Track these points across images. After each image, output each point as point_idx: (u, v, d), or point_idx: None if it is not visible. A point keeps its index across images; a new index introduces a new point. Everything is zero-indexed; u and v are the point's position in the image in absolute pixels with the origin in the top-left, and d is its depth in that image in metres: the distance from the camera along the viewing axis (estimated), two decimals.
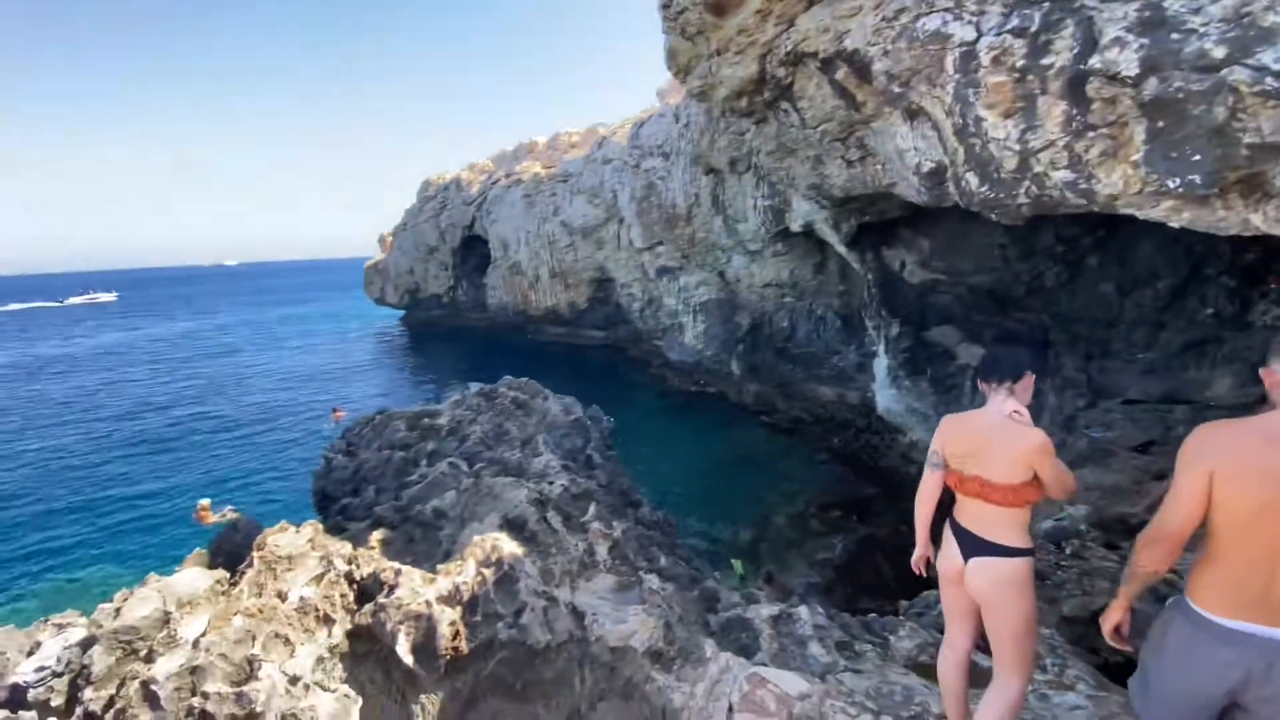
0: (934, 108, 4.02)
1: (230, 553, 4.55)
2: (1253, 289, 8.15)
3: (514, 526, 4.07)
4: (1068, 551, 5.40)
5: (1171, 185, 2.88)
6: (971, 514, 2.24)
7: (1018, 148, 3.54)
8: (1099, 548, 5.35)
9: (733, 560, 7.02)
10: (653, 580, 3.97)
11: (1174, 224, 3.11)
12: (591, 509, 4.71)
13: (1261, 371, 1.80)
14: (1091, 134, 3.21)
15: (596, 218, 18.72)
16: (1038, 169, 3.53)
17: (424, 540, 5.13)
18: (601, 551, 4.28)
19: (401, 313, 31.87)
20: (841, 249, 10.13)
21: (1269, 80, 2.27)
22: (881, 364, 10.90)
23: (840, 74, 4.79)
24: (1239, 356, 8.04)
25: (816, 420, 12.87)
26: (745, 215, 12.23)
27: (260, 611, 3.11)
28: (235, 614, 3.08)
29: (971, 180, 4.08)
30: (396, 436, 6.33)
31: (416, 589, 3.45)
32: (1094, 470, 7.41)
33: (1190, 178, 2.77)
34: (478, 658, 3.13)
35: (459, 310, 27.72)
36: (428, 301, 29.03)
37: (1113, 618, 1.95)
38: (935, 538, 2.46)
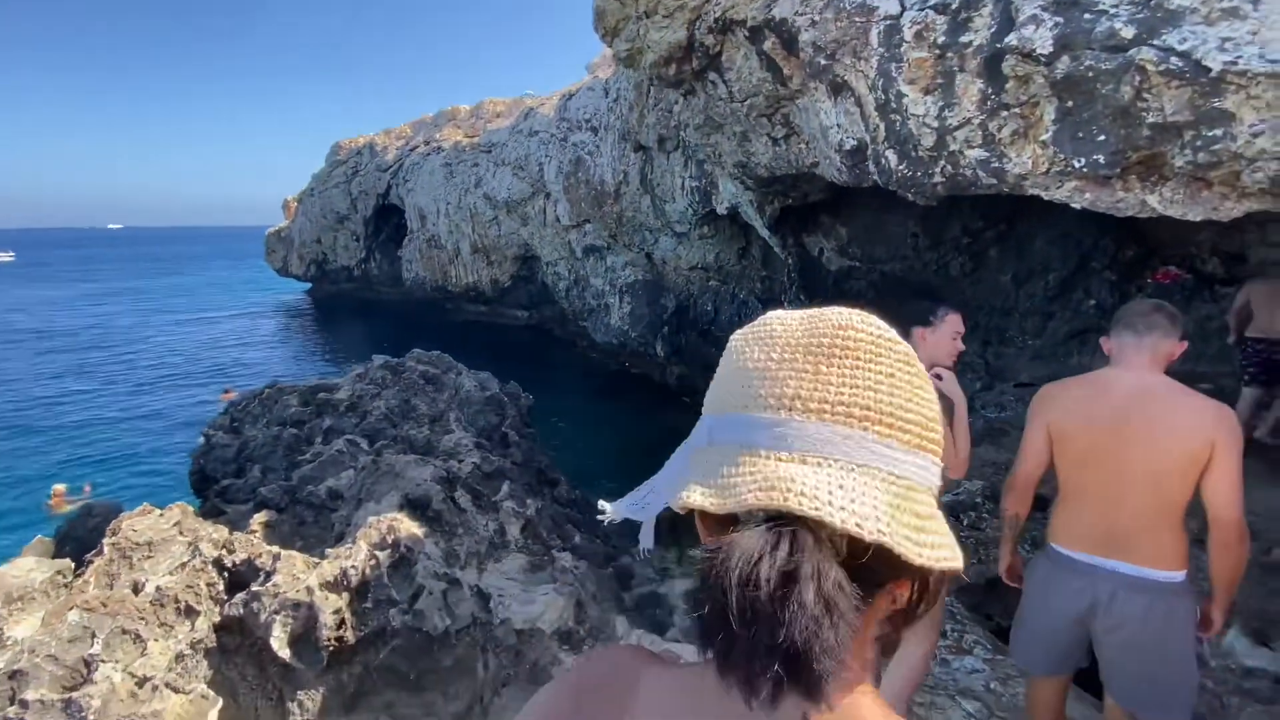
0: (858, 82, 4.00)
1: (81, 539, 3.99)
2: (1130, 284, 8.91)
3: (416, 507, 3.78)
4: (965, 523, 5.69)
5: (1077, 165, 2.96)
6: None
7: (936, 125, 3.57)
8: (994, 519, 5.68)
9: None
10: (565, 559, 3.80)
11: (1076, 204, 3.21)
12: (504, 487, 4.48)
13: (1102, 340, 2.04)
14: (1005, 113, 3.25)
15: (522, 191, 18.10)
16: (953, 147, 3.57)
17: (315, 524, 4.71)
18: (513, 531, 4.07)
19: (308, 285, 29.83)
20: (765, 233, 10.24)
21: (1174, 60, 2.33)
22: None
23: (768, 44, 4.70)
24: None
25: None
26: (673, 196, 12.13)
27: (104, 605, 2.69)
28: (72, 609, 2.64)
29: (891, 158, 4.11)
30: (288, 412, 5.80)
31: (297, 575, 3.11)
32: (988, 448, 7.87)
33: (1095, 158, 2.85)
34: (367, 647, 2.85)
35: (371, 284, 26.22)
36: (336, 273, 27.27)
37: (1004, 562, 2.17)
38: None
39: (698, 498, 0.45)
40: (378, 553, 3.29)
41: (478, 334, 20.26)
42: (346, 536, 3.77)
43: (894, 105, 3.78)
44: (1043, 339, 9.69)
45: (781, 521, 0.41)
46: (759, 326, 0.55)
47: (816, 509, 0.40)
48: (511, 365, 16.61)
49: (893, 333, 0.50)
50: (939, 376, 2.17)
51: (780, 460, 0.44)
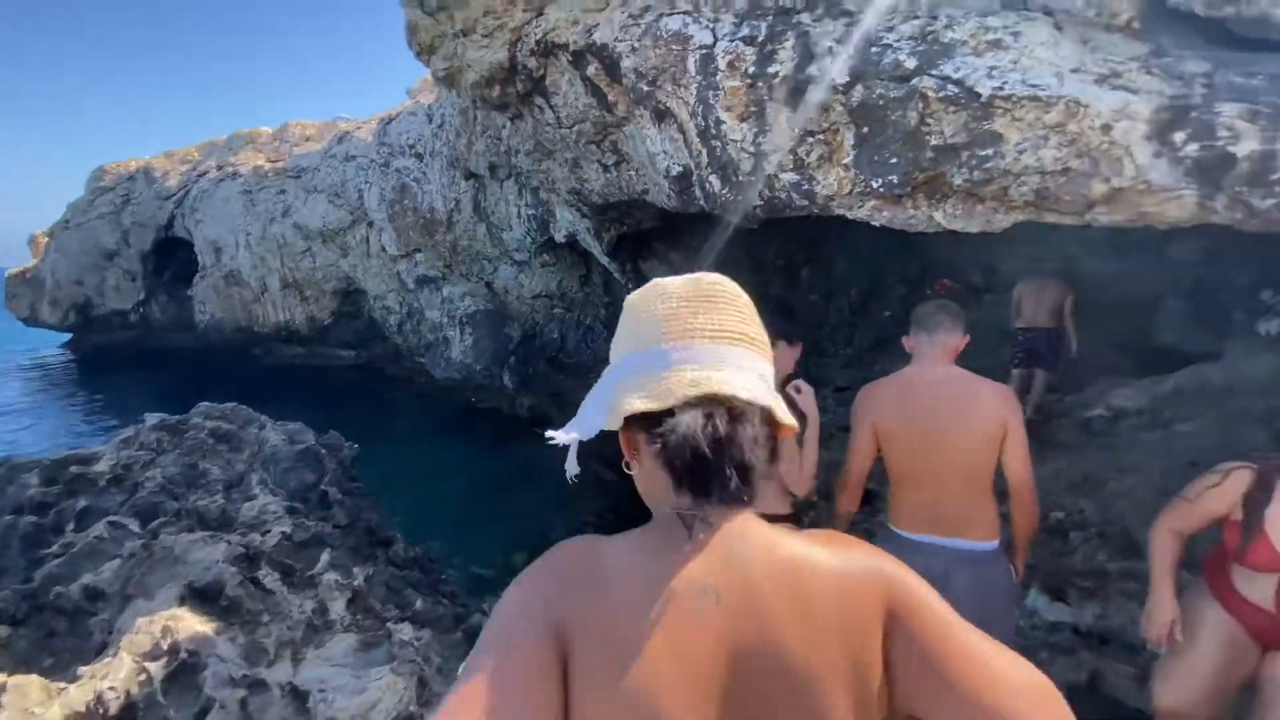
0: (679, 109, 4.11)
1: None
2: (917, 296, 10.31)
3: (204, 597, 3.07)
4: (806, 522, 6.01)
5: (874, 186, 3.24)
6: None
7: (753, 150, 3.75)
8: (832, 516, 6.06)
9: None
10: (404, 630, 3.31)
11: (875, 222, 3.52)
12: (324, 557, 3.83)
13: (904, 339, 2.30)
14: (810, 139, 3.50)
15: (340, 220, 16.63)
16: (769, 171, 3.77)
17: (70, 634, 3.68)
18: (337, 608, 3.47)
19: (66, 336, 24.71)
20: (605, 260, 10.32)
21: (950, 87, 2.62)
22: None
23: (591, 70, 4.70)
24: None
25: None
26: (509, 224, 11.84)
27: None
28: None
29: (714, 183, 4.25)
30: (26, 495, 4.54)
31: (31, 710, 2.34)
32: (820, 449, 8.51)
33: (889, 178, 3.14)
34: None
35: (154, 330, 22.38)
36: (107, 320, 22.91)
37: None
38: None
39: (640, 404, 0.66)
40: (148, 664, 2.59)
41: (294, 380, 18.05)
42: (110, 646, 2.95)
43: (714, 131, 3.93)
44: (851, 348, 10.81)
45: (705, 405, 0.65)
46: (655, 287, 0.76)
47: (731, 392, 0.66)
48: (337, 412, 14.97)
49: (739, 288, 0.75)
50: (799, 389, 2.22)
51: (694, 370, 0.67)
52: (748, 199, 4.04)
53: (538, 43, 4.80)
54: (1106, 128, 2.36)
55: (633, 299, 0.76)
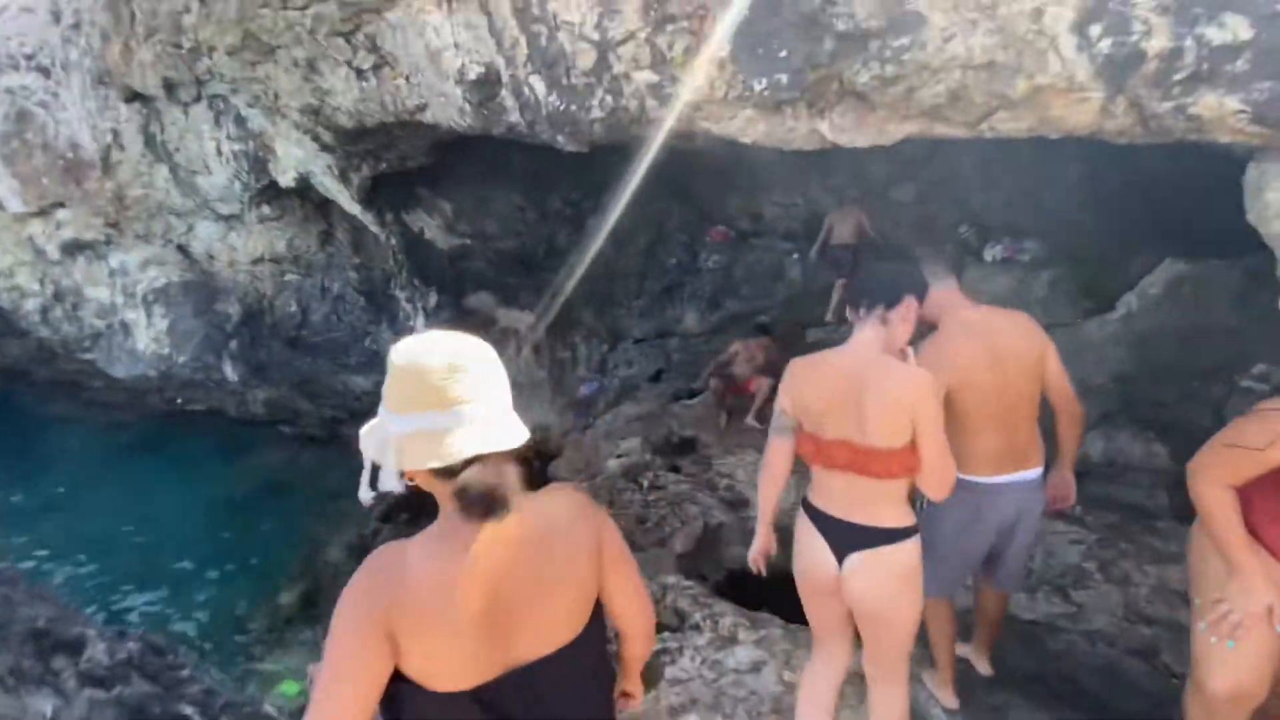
0: None
1: None
2: (697, 242, 10.52)
3: None
4: (646, 485, 5.59)
5: (756, 88, 2.68)
6: (842, 495, 1.72)
7: (596, 38, 2.90)
8: (668, 473, 5.73)
9: (281, 686, 4.92)
10: None
11: (746, 139, 2.99)
12: None
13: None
14: (671, 26, 2.78)
15: None
16: (617, 68, 2.98)
17: None
18: None
19: None
20: (355, 209, 8.44)
21: None
22: None
23: None
24: (697, 294, 10.30)
25: (354, 416, 10.93)
26: (205, 164, 9.06)
27: None
28: None
29: (537, 87, 3.31)
30: None
31: None
32: (630, 404, 8.23)
33: (776, 77, 2.59)
34: None
35: None
36: None
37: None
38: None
39: (435, 463, 0.94)
40: None
41: None
42: None
43: (537, 10, 2.96)
44: (643, 299, 10.72)
45: (480, 461, 0.94)
46: (422, 344, 1.02)
47: (501, 446, 0.96)
48: None
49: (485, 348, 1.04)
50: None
51: (470, 428, 0.94)
52: (584, 110, 3.19)
53: None
54: (1037, 13, 2.09)
55: (401, 362, 0.99)
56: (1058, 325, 5.09)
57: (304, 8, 3.95)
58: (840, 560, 1.71)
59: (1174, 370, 4.63)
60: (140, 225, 10.55)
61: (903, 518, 1.69)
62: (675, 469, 5.73)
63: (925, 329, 2.00)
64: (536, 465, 8.57)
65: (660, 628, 3.24)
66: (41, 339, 12.54)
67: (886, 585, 1.67)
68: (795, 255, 9.88)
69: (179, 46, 6.65)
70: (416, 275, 9.44)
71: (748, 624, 3.07)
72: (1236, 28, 1.95)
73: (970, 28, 2.14)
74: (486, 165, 8.96)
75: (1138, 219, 6.28)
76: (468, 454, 0.92)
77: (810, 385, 1.72)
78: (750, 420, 5.85)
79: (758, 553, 1.99)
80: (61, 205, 10.72)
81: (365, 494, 1.00)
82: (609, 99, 3.13)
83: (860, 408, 1.60)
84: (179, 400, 11.74)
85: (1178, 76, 2.12)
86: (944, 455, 1.61)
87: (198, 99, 8.27)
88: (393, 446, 0.94)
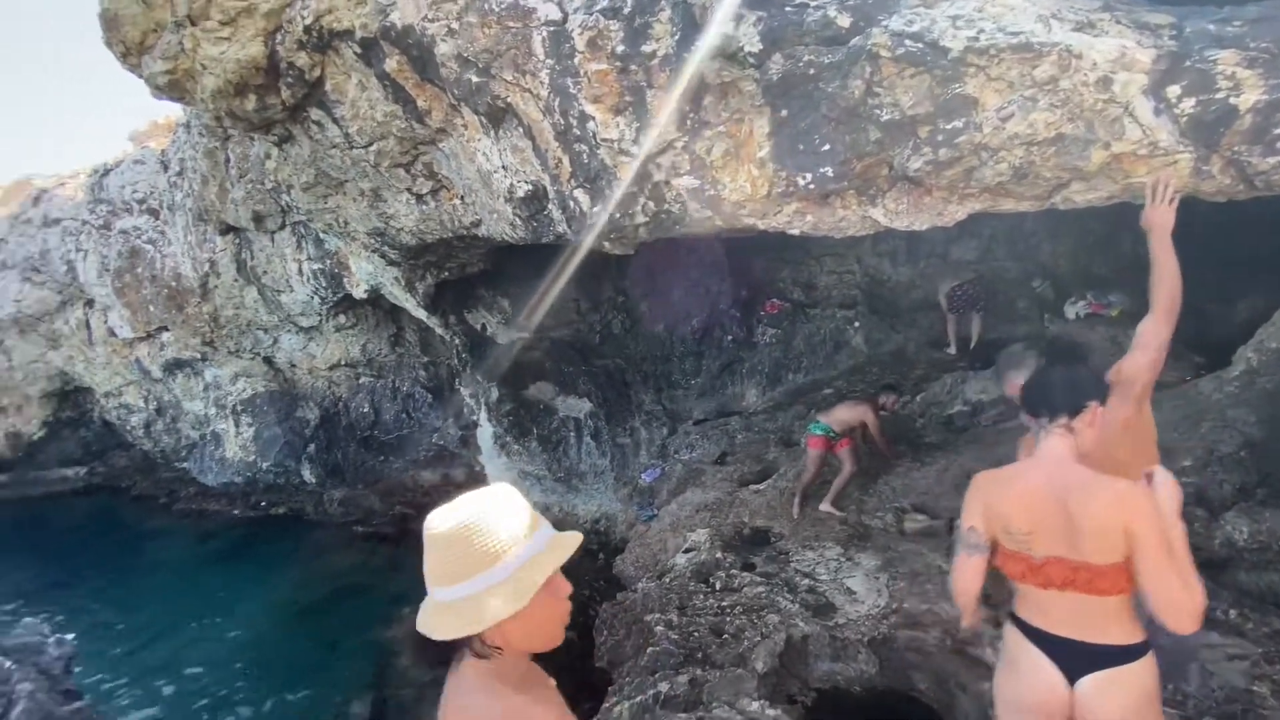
0: (526, 104, 3.16)
1: None
2: (751, 317, 10.39)
3: None
4: (718, 586, 5.22)
5: (801, 183, 2.60)
6: (1066, 613, 1.53)
7: (635, 151, 2.93)
8: (741, 572, 5.34)
9: None
10: None
11: (795, 231, 2.89)
12: None
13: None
14: (708, 132, 2.78)
15: (43, 302, 12.80)
16: (658, 177, 2.98)
17: None
18: None
19: None
20: (421, 314, 8.84)
21: (908, 44, 2.03)
22: (486, 432, 9.96)
23: (391, 64, 3.56)
24: (756, 370, 10.04)
25: (422, 512, 11.00)
26: (288, 284, 9.78)
27: None
28: None
29: (581, 200, 3.37)
30: None
31: None
32: (695, 490, 7.89)
33: (821, 171, 2.51)
34: None
35: None
36: None
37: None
38: None
39: (453, 632, 1.01)
40: None
41: None
42: None
43: (578, 130, 3.05)
44: (701, 377, 10.55)
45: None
46: (482, 507, 1.10)
47: (497, 620, 1.00)
48: (65, 559, 11.06)
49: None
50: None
51: (561, 542, 1.09)
52: (628, 217, 3.20)
53: (308, 30, 3.53)
54: (1105, 82, 1.94)
55: (434, 525, 1.12)
56: (1166, 386, 4.59)
57: (367, 146, 4.25)
58: (1071, 682, 1.54)
59: None
60: (232, 342, 11.45)
61: (1136, 633, 1.52)
62: (749, 566, 5.35)
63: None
64: (601, 559, 8.31)
65: None
66: (145, 451, 13.55)
67: (1132, 708, 1.50)
68: (856, 324, 9.56)
69: (264, 185, 7.36)
70: (479, 371, 9.70)
71: None
72: None
73: (1029, 105, 2.01)
74: (540, 261, 9.30)
75: (1233, 258, 5.73)
76: (480, 628, 1.01)
77: (1006, 503, 1.59)
78: (827, 507, 5.44)
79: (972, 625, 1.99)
80: (165, 329, 11.81)
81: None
82: (651, 204, 3.14)
83: (1071, 525, 1.49)
84: (263, 503, 12.26)
85: (1278, 130, 1.89)
86: (1171, 577, 1.38)
87: (282, 226, 9.08)
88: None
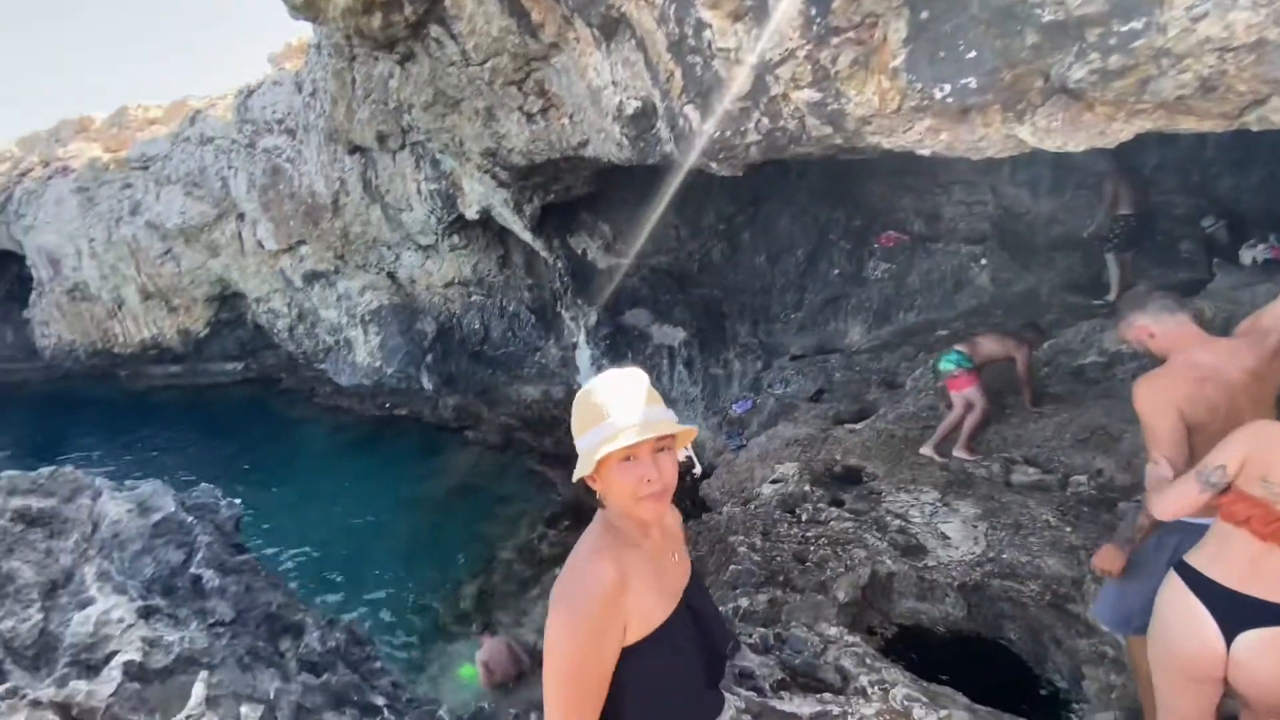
0: (640, 12, 3.05)
1: None
2: (862, 249, 9.81)
3: None
4: (804, 518, 5.23)
5: (938, 95, 2.36)
6: (1252, 563, 1.51)
7: (753, 60, 2.77)
8: (829, 507, 5.30)
9: (460, 670, 5.38)
10: None
11: (925, 150, 2.66)
12: (198, 690, 2.63)
13: (1123, 328, 2.04)
14: (836, 39, 2.56)
15: (203, 215, 14.33)
16: (775, 90, 2.82)
17: None
18: None
19: None
20: (527, 236, 9.11)
21: None
22: (584, 354, 10.34)
23: None
24: (863, 307, 9.56)
25: (525, 424, 11.82)
26: (408, 203, 10.33)
27: None
28: None
29: (691, 117, 3.26)
30: None
31: None
32: (787, 424, 7.82)
33: (963, 82, 2.27)
34: None
35: None
36: None
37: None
38: None
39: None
40: None
41: (171, 404, 15.66)
42: None
43: (693, 41, 2.91)
44: (802, 311, 10.22)
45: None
46: (604, 382, 1.23)
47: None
48: (226, 438, 12.96)
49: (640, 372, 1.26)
50: None
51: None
52: (739, 136, 3.07)
53: None
54: None
55: (586, 391, 1.23)
56: None
57: (482, 63, 4.30)
58: (1228, 640, 1.52)
59: None
60: (359, 257, 12.40)
61: None
62: (838, 502, 5.30)
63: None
64: (688, 480, 8.55)
65: (820, 686, 2.98)
66: (289, 352, 15.27)
67: None
68: (983, 260, 8.76)
69: (387, 105, 7.68)
70: (580, 295, 9.95)
71: (925, 699, 2.70)
72: None
73: (1228, 2, 1.67)
74: (643, 186, 9.18)
75: None
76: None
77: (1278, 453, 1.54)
78: (960, 452, 5.09)
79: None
80: (303, 243, 12.96)
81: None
82: (766, 121, 2.99)
83: None
84: (388, 405, 13.58)
85: None
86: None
87: (402, 146, 9.51)
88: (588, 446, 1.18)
